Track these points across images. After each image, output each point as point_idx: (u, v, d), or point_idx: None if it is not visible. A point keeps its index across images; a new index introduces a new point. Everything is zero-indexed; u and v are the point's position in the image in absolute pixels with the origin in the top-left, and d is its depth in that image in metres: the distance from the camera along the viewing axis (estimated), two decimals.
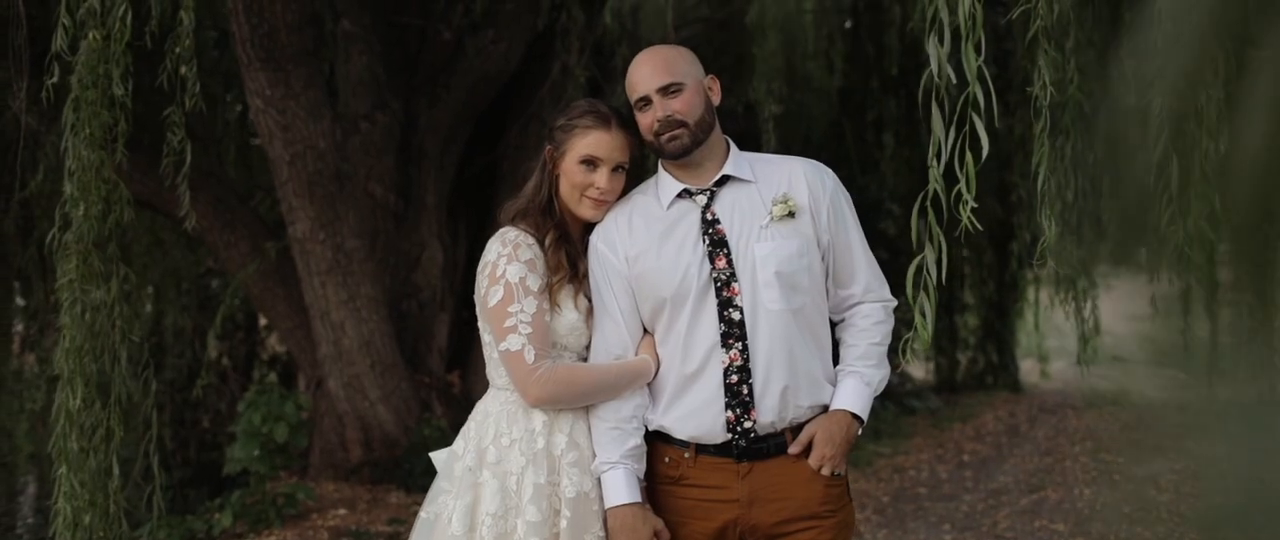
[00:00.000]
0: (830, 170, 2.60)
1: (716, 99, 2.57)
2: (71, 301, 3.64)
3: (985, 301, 11.64)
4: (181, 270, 9.01)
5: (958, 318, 11.61)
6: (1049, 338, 12.44)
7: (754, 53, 6.65)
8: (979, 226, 2.01)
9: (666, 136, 2.47)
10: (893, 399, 9.80)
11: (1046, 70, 2.73)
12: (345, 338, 6.38)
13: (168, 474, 8.10)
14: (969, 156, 2.03)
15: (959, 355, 11.78)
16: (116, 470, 3.72)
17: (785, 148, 5.87)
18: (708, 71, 2.61)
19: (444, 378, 7.21)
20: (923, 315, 2.17)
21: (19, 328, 8.98)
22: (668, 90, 2.46)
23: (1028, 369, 12.39)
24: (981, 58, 2.05)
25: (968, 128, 2.03)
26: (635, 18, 7.27)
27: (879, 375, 2.56)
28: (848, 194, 2.59)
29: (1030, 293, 11.71)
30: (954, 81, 2.06)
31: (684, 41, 6.96)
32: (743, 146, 2.65)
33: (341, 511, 5.99)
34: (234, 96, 8.16)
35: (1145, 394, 10.22)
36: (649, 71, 2.48)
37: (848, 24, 9.88)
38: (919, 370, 11.64)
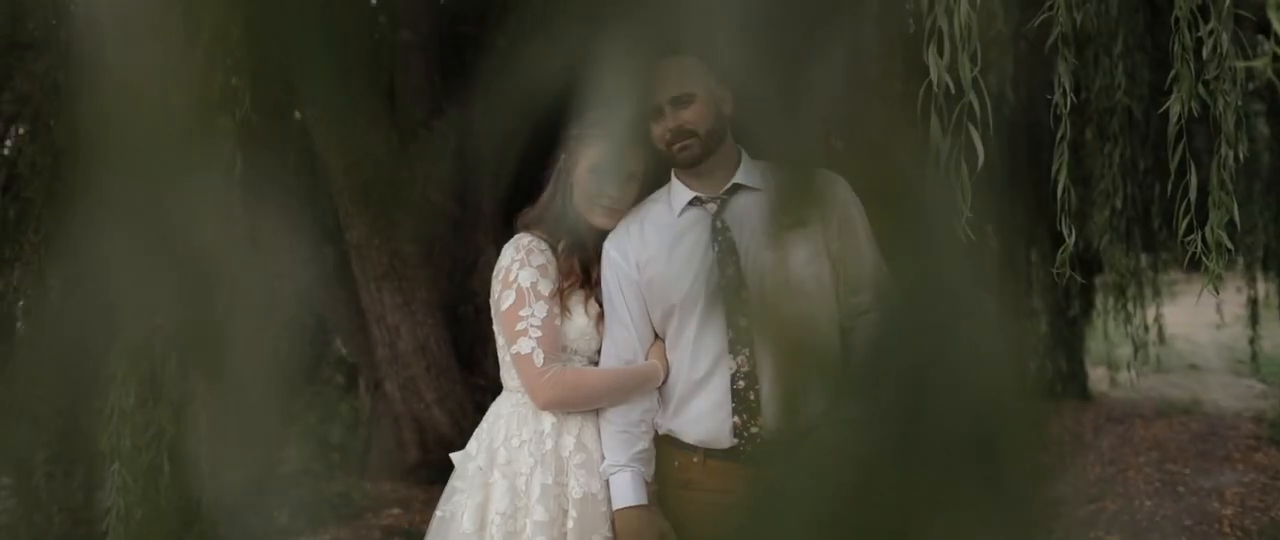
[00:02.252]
0: (842, 178, 2.60)
1: (728, 110, 2.59)
2: None
3: (1053, 308, 11.37)
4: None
5: (1025, 324, 11.36)
6: (1121, 345, 12.14)
7: None
8: (972, 236, 2.01)
9: (677, 146, 2.50)
10: None
11: (1066, 77, 2.71)
12: (400, 341, 6.50)
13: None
14: (964, 166, 2.03)
15: (1027, 362, 11.56)
16: (167, 467, 3.83)
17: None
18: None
19: (499, 380, 7.30)
20: None
21: None
22: (679, 101, 2.48)
23: (1098, 377, 12.09)
24: (978, 67, 2.05)
25: (963, 137, 2.03)
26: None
27: None
28: (859, 202, 2.59)
29: (1099, 299, 11.44)
30: (953, 90, 2.06)
31: None
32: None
33: (396, 510, 6.11)
34: (297, 103, 8.32)
35: (1218, 403, 9.95)
36: (660, 83, 2.50)
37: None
38: None
